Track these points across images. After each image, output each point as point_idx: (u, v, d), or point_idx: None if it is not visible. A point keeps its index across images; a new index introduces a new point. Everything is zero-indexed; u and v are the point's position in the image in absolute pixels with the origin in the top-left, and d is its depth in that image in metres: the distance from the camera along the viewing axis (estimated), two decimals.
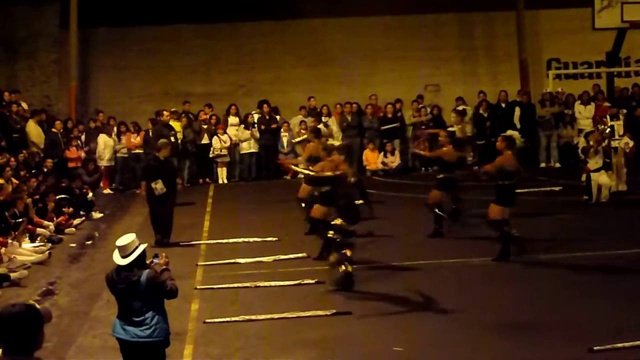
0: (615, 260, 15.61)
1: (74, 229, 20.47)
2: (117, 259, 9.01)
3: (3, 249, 16.81)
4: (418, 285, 14.26)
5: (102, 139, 27.17)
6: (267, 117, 28.69)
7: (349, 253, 14.26)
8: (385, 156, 28.82)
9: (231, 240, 18.45)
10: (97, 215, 22.41)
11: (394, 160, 28.78)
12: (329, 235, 14.67)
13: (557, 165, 28.34)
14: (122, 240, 9.05)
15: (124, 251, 8.99)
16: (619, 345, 10.72)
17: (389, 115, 29.18)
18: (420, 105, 29.55)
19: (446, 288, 14.12)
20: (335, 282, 14.27)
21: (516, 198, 16.03)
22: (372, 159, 28.74)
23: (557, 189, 23.26)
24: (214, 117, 28.77)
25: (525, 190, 21.35)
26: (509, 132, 16.84)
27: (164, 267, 9.18)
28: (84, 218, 21.73)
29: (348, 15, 30.91)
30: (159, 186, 18.01)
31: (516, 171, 15.80)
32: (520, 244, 16.06)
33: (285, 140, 28.42)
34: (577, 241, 17.23)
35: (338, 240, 14.36)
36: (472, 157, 22.32)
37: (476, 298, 13.51)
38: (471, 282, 14.51)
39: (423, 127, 27.76)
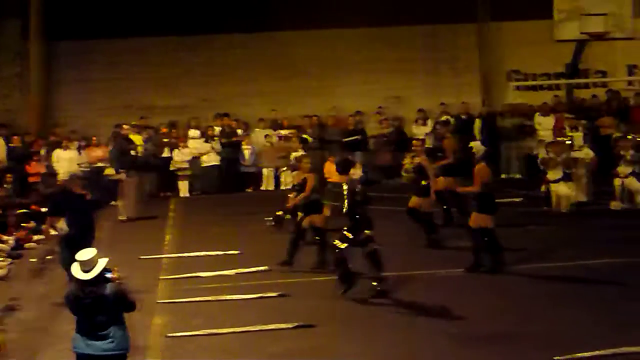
0: (580, 271, 15.72)
1: (34, 244, 20.29)
2: (79, 274, 8.96)
3: None
4: (385, 297, 14.28)
5: (58, 153, 26.81)
6: (228, 130, 28.66)
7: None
8: None
9: (193, 254, 18.38)
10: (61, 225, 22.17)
11: (356, 173, 28.74)
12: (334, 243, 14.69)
13: (518, 176, 28.48)
14: (83, 255, 9.01)
15: (86, 266, 8.95)
16: (579, 355, 10.80)
17: (352, 127, 29.21)
18: (383, 117, 29.62)
19: (414, 299, 14.16)
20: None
21: (495, 205, 16.12)
22: (333, 171, 28.65)
23: (518, 200, 23.37)
24: (174, 131, 28.70)
25: None
26: (472, 144, 16.94)
27: (119, 281, 9.16)
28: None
29: (314, 27, 30.90)
30: (59, 225, 15.79)
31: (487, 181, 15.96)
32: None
33: (247, 153, 28.39)
34: (541, 252, 17.34)
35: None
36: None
37: (444, 309, 13.53)
38: (440, 293, 14.52)
39: (385, 138, 27.79)
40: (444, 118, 23.35)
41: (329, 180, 28.02)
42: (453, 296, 14.32)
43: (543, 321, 12.70)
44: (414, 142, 19.71)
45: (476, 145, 16.54)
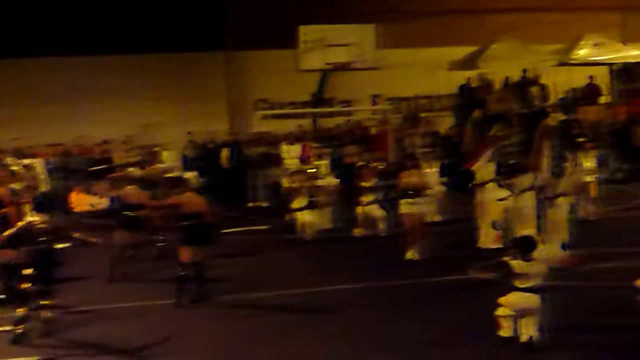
0: (323, 297, 15.87)
1: None
2: None
3: None
4: (100, 332, 13.95)
5: None
6: None
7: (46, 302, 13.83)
8: (93, 197, 28.23)
9: None
10: None
11: (102, 202, 28.23)
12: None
13: (265, 204, 28.70)
14: None
15: None
16: None
17: (98, 156, 28.68)
18: (131, 146, 29.24)
19: (132, 332, 13.86)
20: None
21: (206, 237, 15.87)
22: (80, 201, 28.09)
23: (264, 227, 23.51)
24: None
25: (233, 230, 21.49)
26: (187, 175, 16.80)
27: None
28: None
29: (61, 54, 30.18)
30: None
31: (200, 211, 15.67)
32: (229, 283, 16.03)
33: None
34: (285, 279, 17.42)
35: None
36: None
37: (165, 341, 13.29)
38: (160, 325, 14.30)
39: (132, 168, 27.38)
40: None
41: (74, 210, 27.52)
42: (177, 328, 14.13)
43: (275, 349, 12.71)
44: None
45: (190, 176, 16.40)
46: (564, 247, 16.80)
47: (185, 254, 15.49)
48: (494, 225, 19.24)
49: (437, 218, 22.98)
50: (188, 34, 30.74)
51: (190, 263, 15.45)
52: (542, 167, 16.89)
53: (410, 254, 18.14)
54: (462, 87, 32.04)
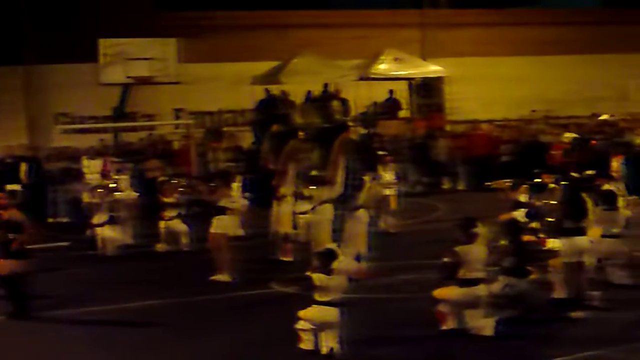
0: (123, 313, 15.69)
1: None
2: None
3: None
4: None
5: None
6: None
7: None
8: None
9: None
10: None
11: None
12: None
13: (66, 220, 28.10)
14: None
15: None
16: None
17: None
18: None
19: None
20: None
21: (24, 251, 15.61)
22: None
23: (65, 244, 23.04)
24: None
25: (34, 246, 20.93)
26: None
27: None
28: None
29: None
30: None
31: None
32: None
33: None
34: (85, 296, 17.11)
35: None
36: None
37: None
38: None
39: None
40: None
41: None
42: None
43: None
44: None
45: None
46: (358, 259, 17.10)
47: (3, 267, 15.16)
48: (288, 238, 19.45)
49: (240, 233, 23.02)
50: None
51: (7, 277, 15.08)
52: (338, 180, 17.13)
53: (221, 276, 17.93)
54: (261, 102, 32.22)
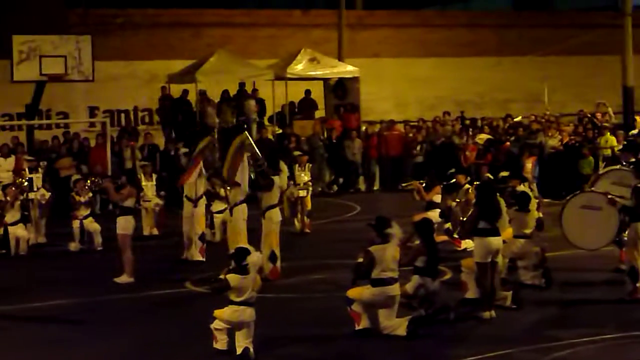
0: (35, 313, 15.55)
1: None
2: None
3: None
4: None
5: None
6: None
7: None
8: None
9: None
10: None
11: None
12: None
13: None
14: None
15: None
16: None
17: None
18: None
19: None
20: None
21: None
22: None
23: None
24: None
25: None
26: None
27: None
28: None
29: None
30: None
31: None
32: None
33: None
34: None
35: None
36: None
37: None
38: None
39: None
40: None
41: None
42: None
43: None
44: None
45: None
46: (272, 259, 17.16)
47: None
48: (201, 238, 19.44)
49: (155, 232, 22.95)
50: None
51: None
52: (238, 181, 17.14)
53: (123, 277, 17.74)
54: (169, 100, 32.07)
